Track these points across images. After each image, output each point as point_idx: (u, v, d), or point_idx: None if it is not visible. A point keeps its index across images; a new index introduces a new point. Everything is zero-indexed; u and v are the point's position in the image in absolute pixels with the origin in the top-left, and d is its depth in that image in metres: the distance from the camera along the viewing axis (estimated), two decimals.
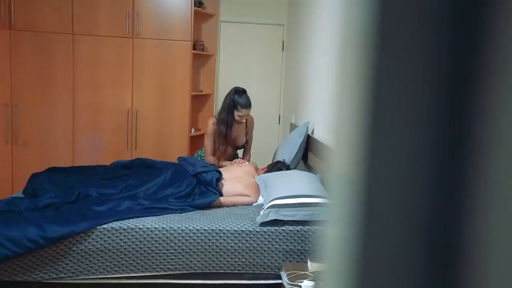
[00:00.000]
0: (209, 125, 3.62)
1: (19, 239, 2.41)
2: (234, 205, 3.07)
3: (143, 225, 2.59)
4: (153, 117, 4.51)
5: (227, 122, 3.53)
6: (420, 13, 0.33)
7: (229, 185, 3.14)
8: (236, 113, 3.50)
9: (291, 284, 2.17)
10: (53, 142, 4.42)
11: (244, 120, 3.57)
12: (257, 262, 2.62)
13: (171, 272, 2.61)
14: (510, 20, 0.32)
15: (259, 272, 2.64)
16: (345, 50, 0.37)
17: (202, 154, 3.86)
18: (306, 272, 2.26)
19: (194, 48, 4.59)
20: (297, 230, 2.64)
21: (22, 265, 2.48)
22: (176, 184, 3.05)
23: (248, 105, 3.50)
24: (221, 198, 3.04)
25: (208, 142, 3.64)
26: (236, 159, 3.63)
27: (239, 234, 2.62)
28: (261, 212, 2.71)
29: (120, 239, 2.56)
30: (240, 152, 3.95)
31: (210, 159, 3.63)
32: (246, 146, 3.84)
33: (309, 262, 2.35)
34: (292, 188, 2.77)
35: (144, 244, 2.57)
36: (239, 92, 3.52)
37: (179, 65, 4.47)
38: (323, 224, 0.40)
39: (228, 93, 3.57)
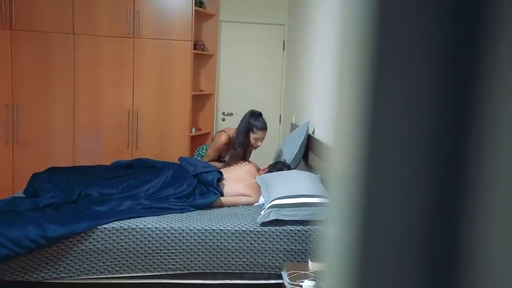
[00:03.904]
0: (221, 139, 3.54)
1: (19, 239, 2.41)
2: (235, 205, 3.07)
3: (144, 225, 2.59)
4: (153, 117, 4.51)
5: (244, 145, 3.47)
6: (420, 12, 0.33)
7: (230, 185, 3.14)
8: (252, 136, 3.44)
9: (292, 284, 2.16)
10: (53, 142, 4.42)
11: (260, 144, 3.51)
12: (258, 262, 2.62)
13: (172, 272, 2.61)
14: (511, 20, 0.32)
15: (260, 272, 2.64)
16: (345, 49, 0.37)
17: (202, 154, 3.84)
18: (307, 272, 2.26)
19: (194, 48, 4.60)
20: (298, 230, 2.64)
21: (23, 265, 2.48)
22: (177, 184, 3.05)
23: (264, 127, 3.46)
24: (222, 198, 3.04)
25: (212, 154, 3.61)
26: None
27: (240, 234, 2.62)
28: (262, 212, 2.71)
29: (121, 239, 2.56)
30: None
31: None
32: None
33: (310, 262, 2.35)
34: (292, 188, 2.77)
35: (145, 244, 2.57)
36: (255, 115, 3.48)
37: (180, 65, 4.47)
38: (324, 224, 0.40)
39: (244, 116, 3.52)
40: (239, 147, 3.45)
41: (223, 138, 3.55)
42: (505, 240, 0.31)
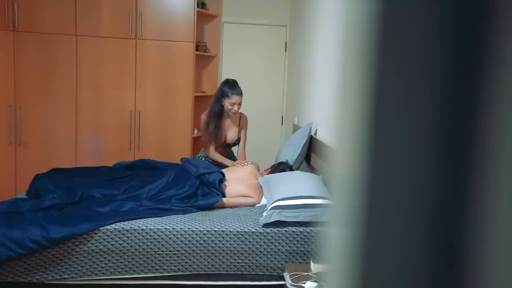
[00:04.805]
0: (203, 118, 3.63)
1: (22, 240, 2.41)
2: (237, 206, 3.07)
3: (146, 226, 2.59)
4: (156, 118, 4.51)
5: (216, 112, 3.54)
6: (423, 14, 0.33)
7: (232, 186, 3.14)
8: (227, 101, 3.49)
9: (294, 285, 2.16)
10: (56, 143, 4.43)
11: (236, 109, 3.54)
12: (260, 263, 2.62)
13: (174, 273, 2.61)
14: None
15: (262, 273, 2.63)
16: (348, 51, 0.37)
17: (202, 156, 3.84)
18: (309, 273, 2.25)
19: (196, 49, 4.60)
20: (300, 231, 2.64)
21: (25, 266, 2.48)
22: (179, 185, 3.05)
23: (239, 92, 3.51)
24: (224, 199, 3.04)
25: (205, 138, 3.63)
26: (238, 160, 3.62)
27: (242, 235, 2.62)
28: (264, 213, 2.71)
29: (123, 240, 2.56)
30: (234, 150, 3.93)
31: (213, 154, 3.63)
32: (239, 146, 3.82)
33: (312, 263, 2.34)
34: (295, 189, 2.77)
35: (147, 245, 2.57)
36: (229, 82, 3.55)
37: (182, 66, 4.47)
38: (326, 225, 0.40)
39: (219, 85, 3.62)
40: (213, 115, 3.54)
41: (203, 116, 3.64)
42: (509, 241, 0.31)
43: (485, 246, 0.33)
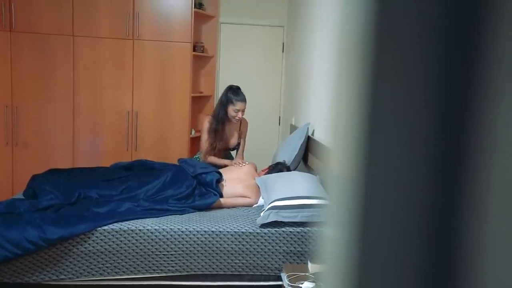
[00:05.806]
0: (206, 123, 3.63)
1: (19, 241, 2.41)
2: (234, 206, 3.07)
3: (143, 227, 2.59)
4: (153, 118, 4.51)
5: (221, 118, 3.56)
6: (418, 15, 0.33)
7: (229, 186, 3.14)
8: (231, 108, 3.52)
9: (291, 286, 2.16)
10: (53, 143, 4.42)
11: (240, 116, 3.56)
12: (257, 264, 2.62)
13: (171, 274, 2.60)
14: (508, 22, 0.32)
15: (259, 273, 2.64)
16: (344, 52, 0.37)
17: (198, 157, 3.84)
18: (306, 274, 2.26)
19: (194, 50, 4.60)
20: (297, 232, 2.64)
21: (22, 266, 2.48)
22: (176, 185, 3.05)
23: (243, 99, 3.53)
24: (221, 199, 3.04)
25: (205, 144, 3.64)
26: (235, 160, 3.62)
27: (239, 235, 2.62)
28: (261, 214, 2.71)
29: (120, 241, 2.56)
30: (233, 154, 3.94)
31: (210, 159, 3.63)
32: (238, 150, 3.82)
33: (309, 264, 2.34)
34: (292, 190, 2.77)
35: (144, 246, 2.57)
36: (233, 88, 3.57)
37: (179, 66, 4.47)
38: (323, 226, 0.40)
39: (223, 91, 3.62)
40: (217, 121, 3.57)
41: (207, 121, 3.65)
42: (504, 242, 0.32)
43: (479, 247, 0.33)
